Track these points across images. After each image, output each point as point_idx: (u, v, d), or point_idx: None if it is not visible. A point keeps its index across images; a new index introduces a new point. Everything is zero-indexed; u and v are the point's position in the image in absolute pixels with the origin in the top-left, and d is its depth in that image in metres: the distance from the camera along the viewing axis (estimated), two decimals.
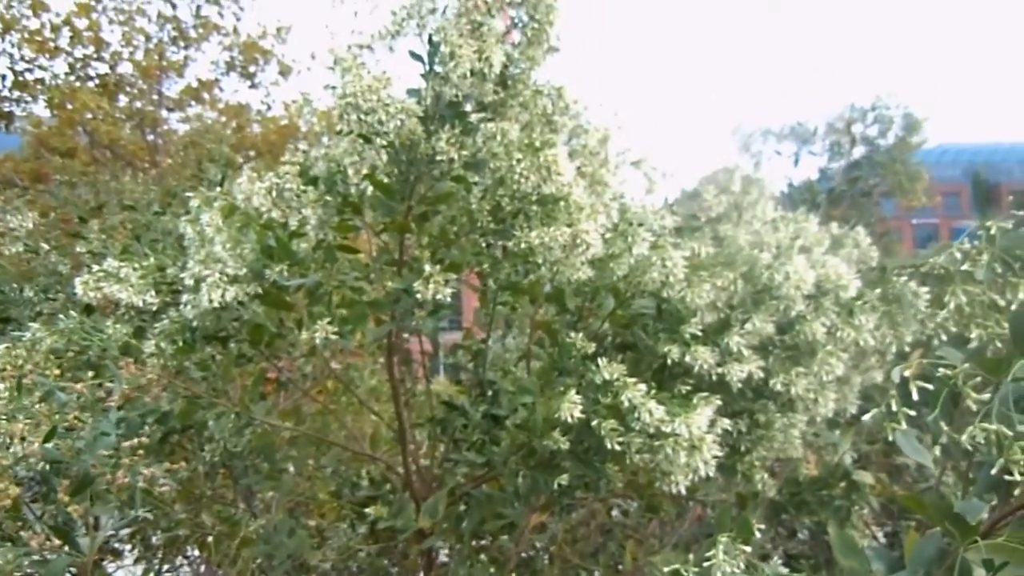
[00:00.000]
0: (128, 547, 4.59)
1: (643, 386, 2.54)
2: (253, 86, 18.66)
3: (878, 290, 2.93)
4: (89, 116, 15.26)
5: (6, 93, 16.22)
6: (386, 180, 2.78)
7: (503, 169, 2.62)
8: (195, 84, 18.15)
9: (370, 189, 2.85)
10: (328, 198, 2.81)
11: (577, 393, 2.59)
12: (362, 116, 2.41)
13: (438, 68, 2.56)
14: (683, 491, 2.55)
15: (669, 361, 2.77)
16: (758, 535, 1.77)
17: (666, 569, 1.81)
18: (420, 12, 2.58)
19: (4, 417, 2.59)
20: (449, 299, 2.61)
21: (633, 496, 3.73)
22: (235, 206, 2.99)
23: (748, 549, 1.73)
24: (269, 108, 18.88)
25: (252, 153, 17.72)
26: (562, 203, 2.58)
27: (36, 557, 2.55)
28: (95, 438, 2.58)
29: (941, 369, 1.52)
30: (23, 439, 2.43)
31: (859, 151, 14.54)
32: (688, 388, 2.81)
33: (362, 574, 4.51)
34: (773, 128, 14.78)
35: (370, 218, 3.02)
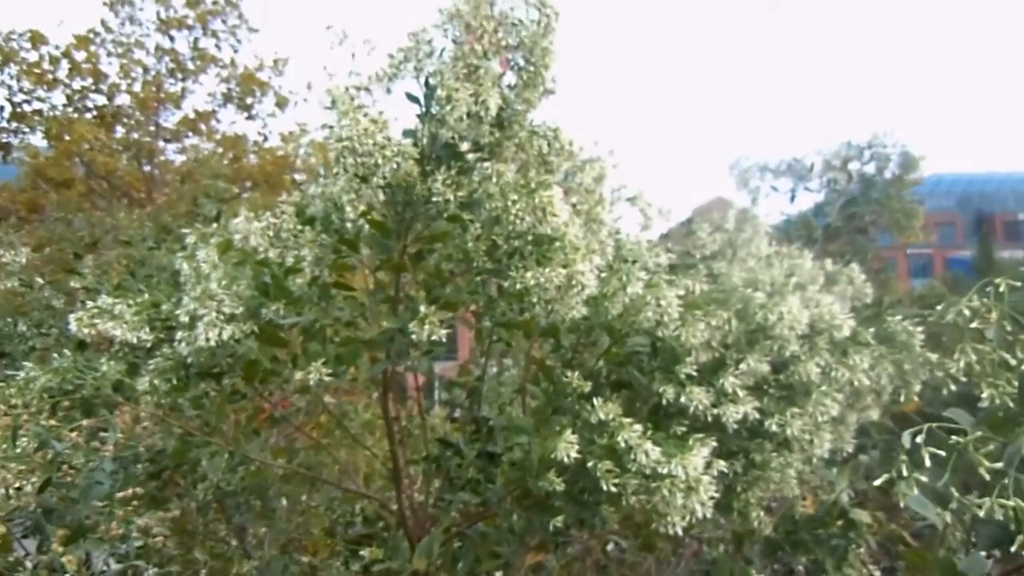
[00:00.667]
0: None
1: (639, 426, 2.53)
2: (250, 117, 18.81)
3: (872, 329, 2.94)
4: (86, 147, 15.32)
5: (4, 124, 16.34)
6: (382, 219, 2.79)
7: (499, 209, 2.64)
8: (192, 115, 18.27)
9: (366, 227, 2.87)
10: (324, 236, 2.82)
11: (573, 433, 2.59)
12: (359, 159, 2.42)
13: (434, 110, 2.58)
14: (680, 532, 2.53)
15: (664, 401, 2.76)
16: None
17: None
18: (417, 55, 2.60)
19: None
20: (444, 338, 2.60)
21: (629, 535, 3.71)
22: (231, 242, 2.99)
23: None
24: (266, 139, 19.01)
25: (248, 184, 17.79)
26: (557, 243, 2.59)
27: None
28: (89, 487, 2.56)
29: (952, 436, 1.51)
30: (18, 488, 2.42)
31: (855, 188, 14.60)
32: (684, 428, 2.81)
33: None
34: (770, 164, 14.84)
35: (366, 255, 3.03)
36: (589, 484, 2.68)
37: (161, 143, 18.13)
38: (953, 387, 2.49)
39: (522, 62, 2.67)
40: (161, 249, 4.20)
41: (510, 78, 2.78)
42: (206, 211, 4.15)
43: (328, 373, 2.67)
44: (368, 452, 4.36)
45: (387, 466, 3.81)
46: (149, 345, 3.15)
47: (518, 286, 2.57)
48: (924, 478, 1.55)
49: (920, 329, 2.79)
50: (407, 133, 2.67)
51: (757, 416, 2.78)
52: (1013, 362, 1.80)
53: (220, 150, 18.54)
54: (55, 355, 3.35)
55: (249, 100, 18.66)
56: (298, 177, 17.16)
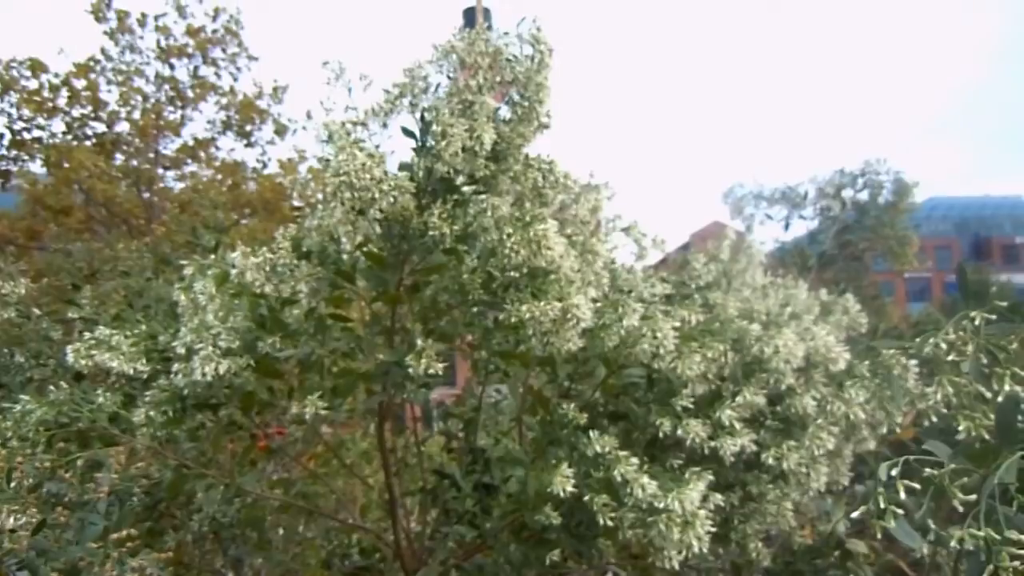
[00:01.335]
0: None
1: (635, 460, 2.54)
2: (249, 145, 18.88)
3: (867, 362, 2.94)
4: (85, 175, 15.37)
5: (3, 152, 16.37)
6: (378, 251, 2.81)
7: (494, 242, 2.65)
8: (191, 143, 18.34)
9: (362, 259, 2.88)
10: (321, 270, 2.83)
11: (569, 466, 2.59)
12: (356, 193, 2.44)
13: (430, 144, 2.60)
14: (676, 566, 2.53)
15: (661, 433, 2.76)
16: None
17: None
18: (412, 91, 2.62)
19: None
20: (440, 371, 2.61)
21: (626, 567, 3.69)
22: (228, 274, 3.01)
23: None
24: (265, 166, 19.07)
25: (247, 211, 17.84)
26: (552, 276, 2.60)
27: None
28: (83, 527, 2.55)
29: (927, 469, 1.52)
30: (12, 531, 2.41)
31: (849, 215, 14.74)
32: (680, 461, 2.81)
33: None
34: (764, 192, 14.99)
35: (362, 287, 3.04)
36: (586, 517, 2.67)
37: (160, 170, 18.20)
38: (935, 418, 2.49)
39: (517, 97, 2.70)
40: (159, 280, 4.21)
41: (505, 111, 2.81)
42: (204, 242, 4.15)
43: (324, 406, 2.67)
44: (364, 483, 4.35)
45: (384, 497, 3.80)
46: (146, 376, 3.16)
47: (513, 319, 2.58)
48: (901, 511, 1.56)
49: (912, 362, 2.79)
50: (403, 167, 2.69)
51: (754, 448, 2.78)
52: (989, 395, 1.81)
53: (219, 177, 18.61)
54: (52, 387, 3.35)
55: (248, 128, 18.76)
56: (296, 203, 17.23)
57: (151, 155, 17.89)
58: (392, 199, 2.52)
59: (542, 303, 2.50)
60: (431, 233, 2.64)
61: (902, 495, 1.54)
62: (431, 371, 2.55)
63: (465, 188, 2.76)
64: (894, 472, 1.56)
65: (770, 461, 2.79)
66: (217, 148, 18.92)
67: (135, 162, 17.63)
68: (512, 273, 2.68)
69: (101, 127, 17.32)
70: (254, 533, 3.90)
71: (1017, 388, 1.73)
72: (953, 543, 1.41)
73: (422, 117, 2.63)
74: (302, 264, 2.79)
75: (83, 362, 3.12)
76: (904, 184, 14.96)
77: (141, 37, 17.65)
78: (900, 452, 1.74)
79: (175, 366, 2.96)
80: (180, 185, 18.58)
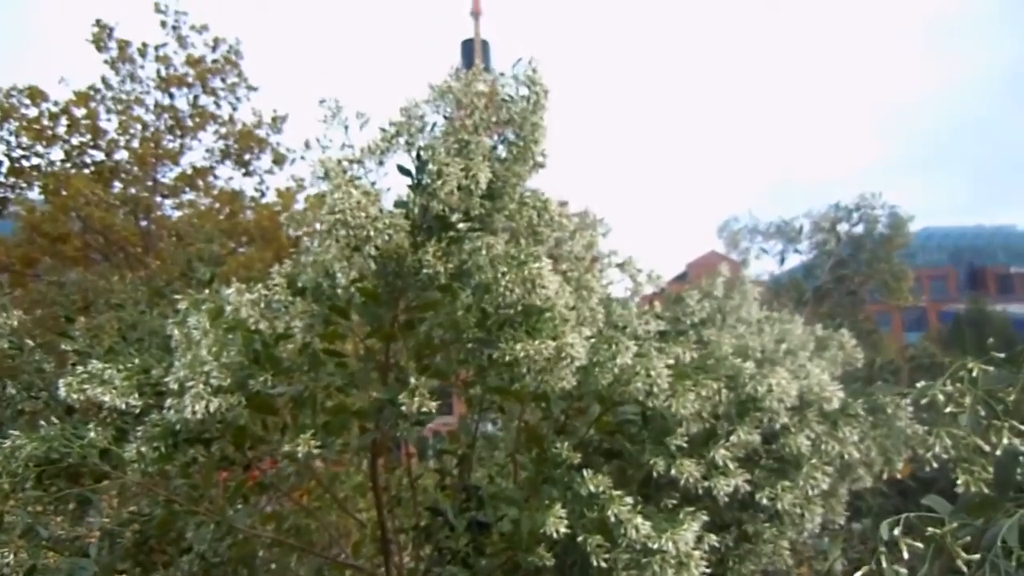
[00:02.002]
0: None
1: (629, 499, 2.52)
2: (247, 173, 18.90)
3: (862, 400, 2.93)
4: (83, 202, 15.37)
5: (1, 180, 16.38)
6: (373, 287, 2.81)
7: (489, 280, 2.65)
8: (190, 171, 18.36)
9: (357, 294, 2.88)
10: (315, 307, 2.82)
11: (563, 506, 2.57)
12: (351, 231, 2.44)
13: (426, 182, 2.60)
14: None
15: (655, 473, 2.75)
16: None
17: None
18: (409, 130, 2.64)
19: None
20: (434, 409, 2.59)
21: None
22: (222, 308, 3.00)
23: None
24: (263, 195, 19.08)
25: (245, 239, 17.85)
26: (547, 315, 2.59)
27: None
28: (73, 573, 2.52)
29: (929, 528, 1.51)
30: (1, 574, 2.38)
31: (844, 249, 14.78)
32: (675, 501, 2.79)
33: None
34: (759, 226, 15.05)
35: (357, 322, 3.03)
36: (580, 558, 2.65)
37: (158, 198, 18.22)
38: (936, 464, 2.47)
39: (512, 137, 2.71)
40: (153, 313, 4.20)
41: (501, 150, 2.81)
42: (200, 275, 4.14)
43: (317, 444, 2.65)
44: (357, 520, 4.31)
45: (377, 533, 3.77)
46: (138, 411, 3.13)
47: (508, 357, 2.57)
48: (903, 570, 1.54)
49: (907, 402, 2.78)
50: (398, 204, 2.69)
51: (748, 488, 2.76)
52: (987, 448, 1.80)
53: (217, 205, 18.63)
54: (43, 420, 3.32)
55: (247, 156, 18.81)
56: (293, 232, 17.18)
57: (149, 183, 17.91)
58: (387, 237, 2.52)
59: (536, 342, 2.50)
60: (426, 270, 2.64)
61: (905, 554, 1.52)
62: (424, 409, 2.53)
63: (460, 225, 2.77)
64: (896, 531, 1.55)
65: (765, 501, 2.77)
66: (215, 177, 18.97)
67: (133, 190, 17.64)
68: (507, 311, 2.68)
69: (100, 155, 17.35)
70: (245, 570, 3.85)
71: (1016, 441, 1.72)
72: None
73: (418, 155, 2.64)
74: (297, 301, 2.78)
75: (75, 396, 3.10)
76: (899, 218, 15.02)
77: (142, 67, 17.75)
78: (898, 488, 1.73)
79: (168, 401, 2.95)
80: (178, 213, 18.60)
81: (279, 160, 19.09)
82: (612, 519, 2.47)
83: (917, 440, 2.66)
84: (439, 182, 2.50)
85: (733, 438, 2.77)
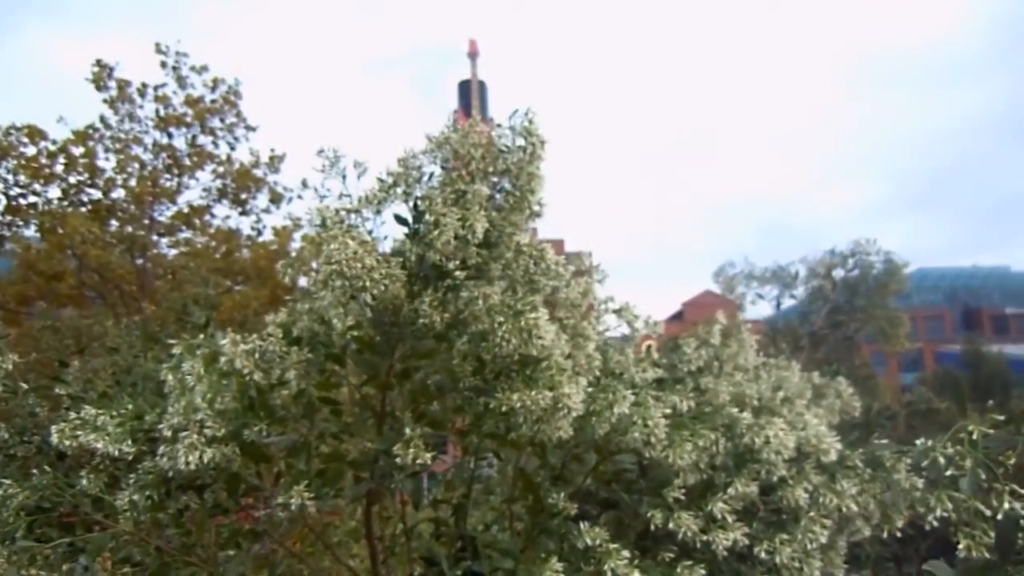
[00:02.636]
0: None
1: (626, 552, 2.49)
2: (244, 212, 18.94)
3: (860, 451, 2.91)
4: (79, 240, 15.38)
5: None
6: (369, 335, 2.80)
7: (485, 328, 2.65)
8: (187, 210, 18.41)
9: (353, 342, 2.87)
10: (311, 356, 2.82)
11: (559, 558, 2.54)
12: (347, 281, 2.44)
13: (423, 231, 2.61)
14: None
15: (653, 526, 2.72)
16: None
17: None
18: (406, 180, 2.65)
19: None
20: (429, 461, 2.57)
21: None
22: (217, 354, 2.98)
23: None
24: (259, 234, 19.12)
25: (240, 278, 17.85)
26: (543, 364, 2.59)
27: None
28: None
29: None
30: None
31: (840, 295, 14.86)
32: (672, 554, 2.76)
33: None
34: (755, 271, 15.13)
35: (352, 370, 3.02)
36: None
37: (155, 237, 18.24)
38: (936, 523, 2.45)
39: (509, 186, 2.73)
40: (147, 357, 4.18)
41: (498, 198, 2.83)
42: (195, 319, 4.13)
43: (311, 496, 2.62)
44: (351, 570, 4.25)
45: None
46: (131, 458, 3.11)
47: (504, 407, 2.56)
48: None
49: (907, 461, 2.76)
50: (396, 252, 2.69)
51: (746, 541, 2.73)
52: (988, 512, 1.79)
53: (213, 244, 18.65)
54: (35, 467, 3.29)
55: (244, 196, 18.87)
56: (289, 279, 17.14)
57: (146, 222, 17.95)
58: (383, 287, 2.52)
59: (533, 392, 2.49)
60: (422, 320, 2.64)
61: None
62: (420, 461, 2.51)
63: (457, 273, 2.77)
64: None
65: (763, 555, 2.74)
66: (212, 215, 19.01)
67: (130, 228, 17.67)
68: (503, 360, 2.67)
69: (97, 194, 17.41)
70: None
71: (1017, 505, 1.71)
72: None
73: (415, 205, 2.64)
74: (292, 351, 2.77)
75: (67, 443, 3.08)
76: (894, 264, 15.12)
77: (141, 106, 17.88)
78: (896, 537, 1.71)
79: (161, 448, 2.92)
80: (174, 252, 18.61)
81: (276, 199, 19.16)
82: (609, 573, 2.45)
83: (917, 498, 2.63)
84: (436, 232, 2.50)
85: (731, 490, 2.74)
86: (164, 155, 18.13)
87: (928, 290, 71.63)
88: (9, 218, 16.73)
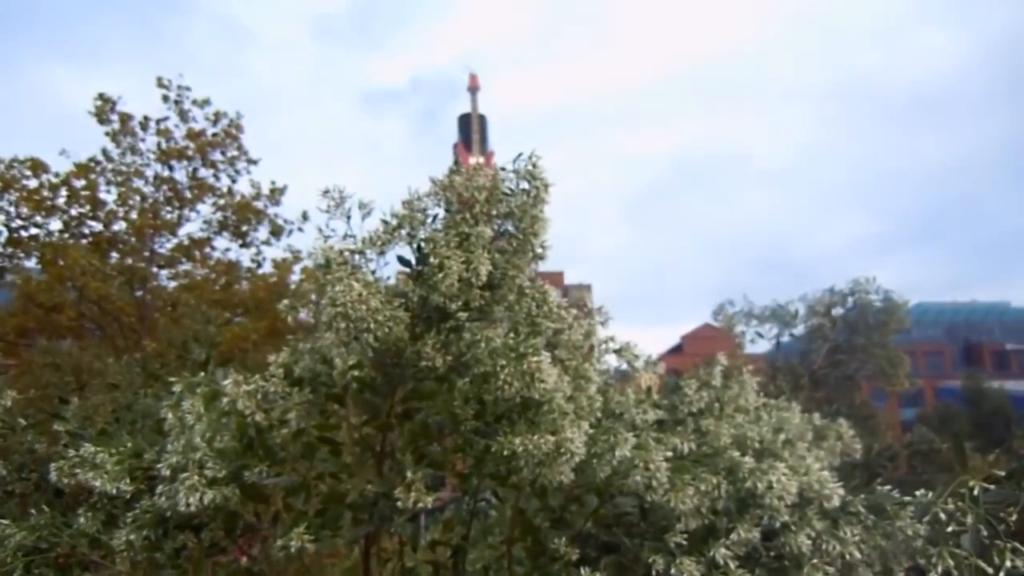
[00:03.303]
0: None
1: None
2: (244, 245, 18.98)
3: (862, 496, 2.90)
4: (79, 272, 15.40)
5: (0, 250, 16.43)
6: (371, 376, 2.80)
7: (488, 370, 2.65)
8: (187, 242, 18.44)
9: (355, 382, 2.87)
10: (312, 396, 2.81)
11: None
12: (351, 324, 2.45)
13: (426, 273, 2.62)
14: None
15: (654, 572, 2.70)
16: None
17: None
18: (411, 223, 2.66)
19: None
20: (430, 504, 2.56)
21: None
22: (217, 392, 2.98)
23: None
24: (259, 266, 19.14)
25: (240, 310, 17.85)
26: (545, 408, 2.59)
27: None
28: None
29: None
30: None
31: (840, 335, 14.85)
32: None
33: None
34: (754, 310, 15.15)
35: (353, 410, 3.02)
36: None
37: (155, 269, 18.26)
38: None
39: (512, 229, 2.74)
40: (147, 394, 4.17)
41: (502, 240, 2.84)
42: (195, 355, 4.13)
43: (310, 540, 2.60)
44: None
45: None
46: (129, 496, 3.10)
47: (506, 451, 2.55)
48: None
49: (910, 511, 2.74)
50: (398, 294, 2.70)
51: None
52: (990, 570, 1.77)
53: (213, 276, 18.67)
54: (33, 504, 3.28)
55: (244, 228, 18.92)
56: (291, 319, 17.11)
57: (146, 254, 17.97)
58: (387, 329, 2.53)
59: (535, 436, 2.48)
60: (424, 362, 2.65)
61: None
62: (420, 504, 2.50)
63: (460, 315, 2.77)
64: None
65: None
66: (212, 248, 19.05)
67: (130, 260, 17.69)
68: (505, 403, 2.67)
69: (98, 226, 17.47)
70: None
71: (1019, 563, 1.70)
72: None
73: (419, 247, 2.66)
74: (294, 392, 2.77)
75: (66, 480, 3.07)
76: (894, 302, 15.11)
77: (143, 139, 17.98)
78: None
79: (159, 487, 2.91)
80: (173, 284, 18.63)
81: (277, 232, 19.21)
82: None
83: (918, 548, 2.61)
84: (440, 275, 2.51)
85: (733, 536, 2.73)
86: (165, 188, 18.20)
87: (928, 325, 71.66)
88: (11, 250, 16.76)
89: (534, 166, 2.68)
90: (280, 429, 2.99)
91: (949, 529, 1.85)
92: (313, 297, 2.77)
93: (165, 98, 18.13)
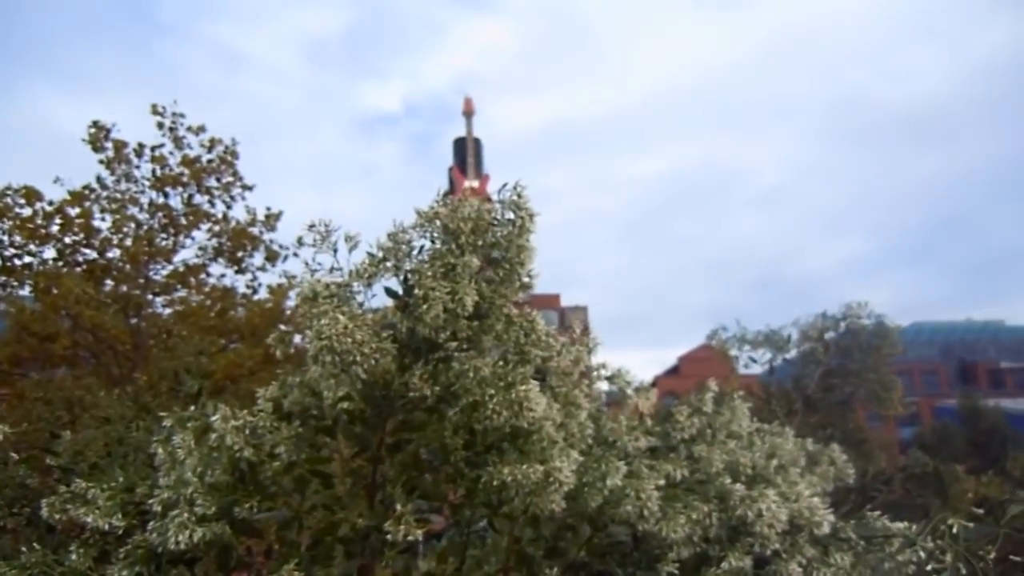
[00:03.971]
0: None
1: None
2: (240, 271, 18.93)
3: (853, 522, 2.90)
4: (73, 301, 15.34)
5: None
6: (360, 409, 2.80)
7: (477, 398, 2.65)
8: (182, 269, 18.39)
9: (344, 414, 2.87)
10: (301, 430, 2.81)
11: None
12: (337, 357, 2.45)
13: (413, 304, 2.62)
14: None
15: None
16: None
17: None
18: (396, 254, 2.67)
19: None
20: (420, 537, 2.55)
21: None
22: (208, 426, 2.97)
23: None
24: (255, 292, 19.09)
25: (235, 336, 17.79)
26: (535, 437, 2.59)
27: None
28: None
29: None
30: None
31: (833, 360, 14.87)
32: None
33: None
34: (748, 335, 15.18)
35: (344, 442, 3.01)
36: None
37: (150, 296, 18.19)
38: None
39: (499, 257, 2.75)
40: (139, 428, 4.16)
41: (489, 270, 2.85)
42: (187, 388, 4.13)
43: (302, 575, 2.59)
44: None
45: None
46: (121, 531, 3.08)
47: (495, 482, 2.55)
48: None
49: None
50: (386, 326, 2.71)
51: None
52: None
53: (208, 302, 18.62)
54: (23, 546, 3.26)
55: (240, 254, 18.89)
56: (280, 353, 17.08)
57: (141, 281, 17.91)
58: (374, 361, 2.53)
59: (525, 466, 2.48)
60: (412, 393, 2.65)
61: None
62: (411, 538, 2.49)
63: (448, 344, 2.78)
64: None
65: None
66: (208, 274, 18.98)
67: (125, 288, 17.62)
68: (495, 432, 2.67)
69: (92, 254, 17.40)
70: None
71: None
72: None
73: (405, 279, 2.67)
74: (282, 426, 2.77)
75: (57, 516, 3.06)
76: (886, 327, 15.13)
77: (137, 167, 17.95)
78: None
79: (151, 523, 2.90)
80: (168, 311, 18.55)
81: (272, 257, 19.18)
82: None
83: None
84: (425, 307, 2.52)
85: (725, 564, 2.72)
86: (160, 215, 18.16)
87: (923, 344, 71.73)
88: (4, 279, 16.70)
89: (519, 196, 2.70)
90: (271, 462, 2.98)
91: (929, 568, 1.85)
92: (305, 320, 2.76)
93: (160, 125, 18.16)
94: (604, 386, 3.79)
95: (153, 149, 18.06)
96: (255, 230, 19.03)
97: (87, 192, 17.36)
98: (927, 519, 2.30)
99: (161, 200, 18.22)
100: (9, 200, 16.57)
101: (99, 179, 17.63)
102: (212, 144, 18.62)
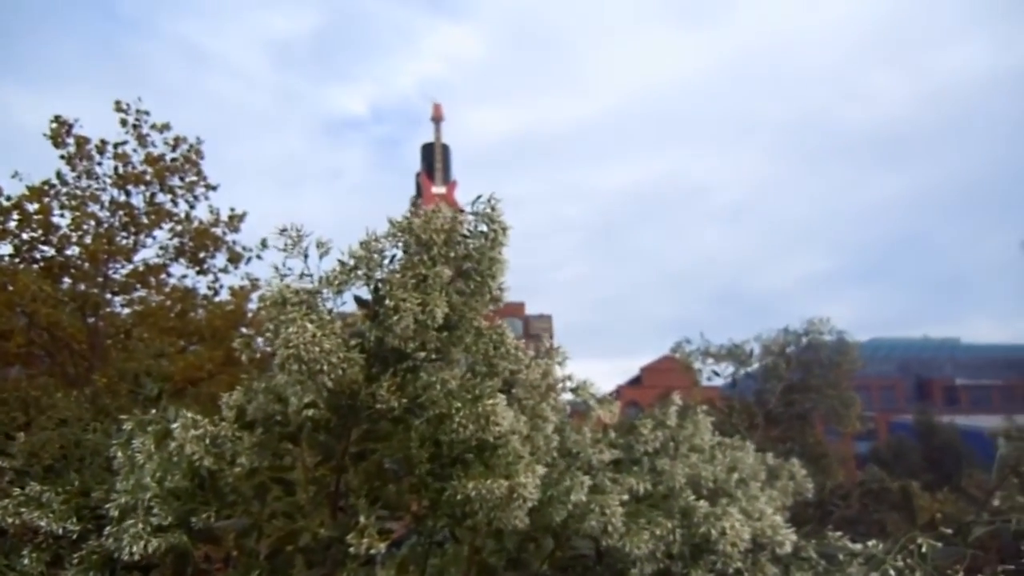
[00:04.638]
0: None
1: None
2: (202, 272, 18.69)
3: (814, 542, 2.93)
4: (29, 298, 15.03)
5: None
6: (325, 417, 2.78)
7: (443, 411, 2.64)
8: (142, 268, 18.12)
9: (309, 422, 2.84)
10: (264, 436, 2.78)
11: None
12: (304, 365, 2.43)
13: (382, 314, 2.61)
14: None
15: None
16: None
17: None
18: (368, 264, 2.66)
19: None
20: (384, 549, 2.53)
21: None
22: (168, 430, 2.93)
23: None
24: (216, 293, 18.87)
25: (195, 338, 17.56)
26: (500, 451, 2.58)
27: None
28: None
29: None
30: None
31: (795, 374, 15.03)
32: None
33: None
34: (711, 348, 15.31)
35: (307, 450, 2.98)
36: None
37: (108, 295, 17.89)
38: None
39: (470, 268, 2.75)
40: (96, 431, 4.09)
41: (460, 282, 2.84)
42: (147, 391, 4.06)
43: None
44: None
45: None
46: (75, 536, 3.03)
47: (459, 496, 2.54)
48: None
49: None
50: (355, 334, 2.69)
51: None
52: None
53: (168, 303, 18.36)
54: None
55: (202, 255, 18.65)
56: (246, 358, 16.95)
57: (100, 280, 17.61)
58: (341, 371, 2.51)
59: (489, 480, 2.48)
60: (379, 403, 2.63)
61: None
62: (373, 551, 2.47)
63: (417, 355, 2.76)
64: None
65: None
66: (169, 275, 18.71)
67: (83, 286, 17.31)
68: (459, 447, 2.66)
69: (50, 251, 17.07)
70: None
71: None
72: None
73: (376, 288, 2.65)
74: (245, 435, 2.73)
75: (10, 520, 3.00)
76: (847, 344, 15.37)
77: (99, 163, 17.65)
78: None
79: (107, 528, 2.85)
80: (127, 311, 18.26)
81: (235, 259, 18.95)
82: None
83: None
84: (395, 317, 2.51)
85: None
86: (121, 213, 17.86)
87: (881, 360, 72.95)
88: None
89: (493, 208, 2.70)
90: (232, 468, 2.94)
91: None
92: (271, 326, 2.73)
93: (123, 122, 17.88)
94: (568, 396, 3.79)
95: (116, 146, 17.77)
96: (218, 231, 18.80)
97: (47, 188, 17.03)
98: (884, 535, 2.33)
99: (123, 198, 17.92)
100: None
101: (59, 175, 17.30)
102: (176, 143, 18.38)
